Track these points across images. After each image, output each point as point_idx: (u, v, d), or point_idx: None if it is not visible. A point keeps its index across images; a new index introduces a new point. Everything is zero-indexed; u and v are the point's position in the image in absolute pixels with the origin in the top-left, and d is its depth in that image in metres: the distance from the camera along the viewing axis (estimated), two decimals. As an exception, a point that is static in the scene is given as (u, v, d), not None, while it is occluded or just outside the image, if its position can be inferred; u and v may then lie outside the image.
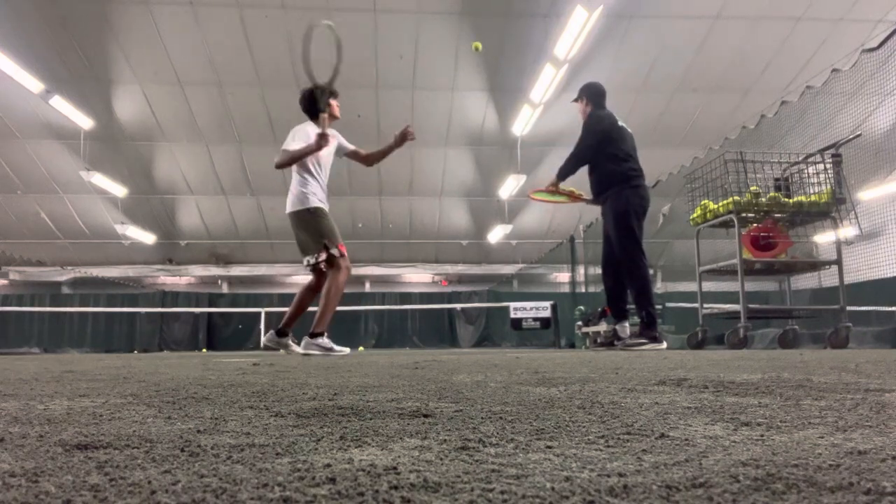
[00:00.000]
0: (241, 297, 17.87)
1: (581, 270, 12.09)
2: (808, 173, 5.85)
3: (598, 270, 6.37)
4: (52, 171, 15.15)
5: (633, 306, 5.52)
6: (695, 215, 6.22)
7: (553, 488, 0.44)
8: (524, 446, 0.63)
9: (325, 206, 4.93)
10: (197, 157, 15.09)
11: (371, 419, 0.86)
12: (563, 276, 16.24)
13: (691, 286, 7.49)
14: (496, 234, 17.52)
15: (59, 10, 11.09)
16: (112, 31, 11.64)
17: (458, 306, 16.80)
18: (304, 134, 4.82)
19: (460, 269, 19.66)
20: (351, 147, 5.25)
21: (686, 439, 0.66)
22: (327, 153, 5.00)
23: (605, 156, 5.43)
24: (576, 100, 5.82)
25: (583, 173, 5.66)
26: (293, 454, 0.60)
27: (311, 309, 5.09)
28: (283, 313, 5.18)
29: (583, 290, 11.79)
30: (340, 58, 4.64)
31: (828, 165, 5.72)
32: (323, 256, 4.78)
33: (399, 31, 11.84)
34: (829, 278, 6.52)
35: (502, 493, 0.43)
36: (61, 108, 12.30)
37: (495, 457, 0.58)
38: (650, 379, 1.56)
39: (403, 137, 5.11)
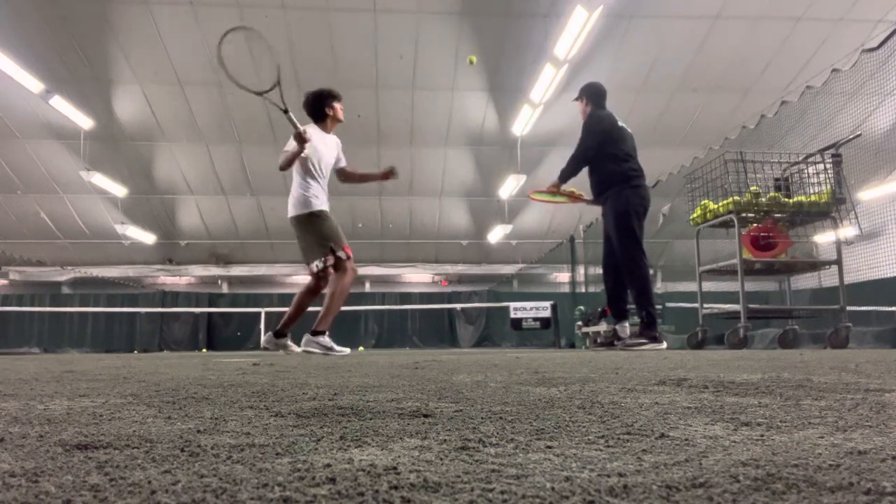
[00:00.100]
0: (241, 297, 17.87)
1: (581, 270, 12.09)
2: (808, 173, 5.85)
3: (599, 270, 6.37)
4: (52, 171, 15.15)
5: (633, 306, 5.52)
6: (695, 215, 6.22)
7: (553, 488, 0.44)
8: (524, 446, 0.63)
9: (327, 209, 4.93)
10: (197, 157, 15.09)
11: (371, 419, 0.86)
12: (563, 276, 16.25)
13: (691, 286, 7.49)
14: (496, 234, 17.52)
15: (59, 10, 11.09)
16: (112, 31, 11.64)
17: (458, 306, 16.81)
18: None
19: (460, 269, 19.66)
20: (343, 163, 5.25)
21: (686, 439, 0.66)
22: (330, 155, 5.01)
23: (605, 156, 5.44)
24: (576, 99, 5.82)
25: (583, 174, 5.66)
26: (293, 454, 0.60)
27: (310, 309, 5.08)
28: (282, 313, 5.18)
29: (583, 290, 11.79)
30: (275, 60, 4.61)
31: (828, 165, 5.72)
32: (331, 260, 4.76)
33: (399, 31, 11.84)
34: (829, 278, 6.52)
35: (502, 493, 0.43)
36: (61, 108, 12.30)
37: (495, 457, 0.58)
38: (650, 379, 1.56)
39: (388, 176, 5.10)
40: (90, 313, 16.03)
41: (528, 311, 11.61)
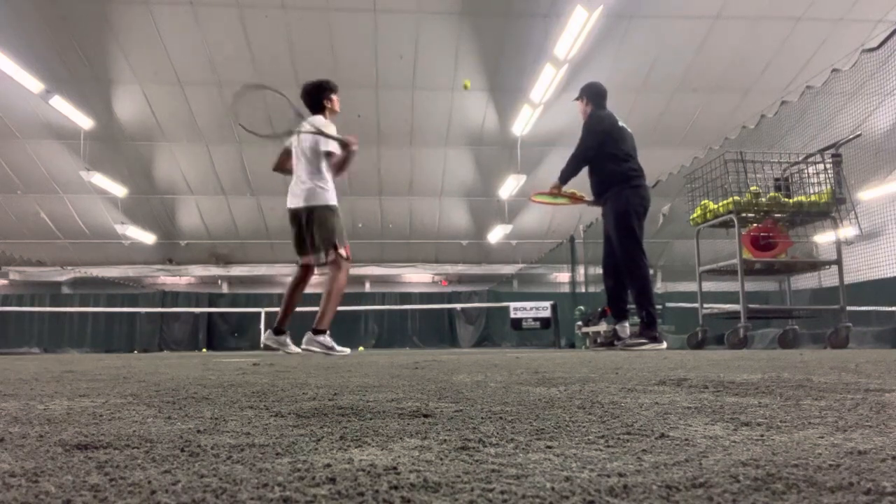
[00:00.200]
0: (241, 297, 17.87)
1: (581, 270, 12.09)
2: (808, 173, 5.85)
3: (599, 270, 6.37)
4: (52, 171, 15.15)
5: (633, 306, 5.52)
6: (695, 215, 6.22)
7: (553, 488, 0.44)
8: (524, 446, 0.63)
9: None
10: (197, 157, 15.09)
11: (371, 419, 0.86)
12: (563, 276, 16.25)
13: (691, 286, 7.49)
14: (496, 234, 17.52)
15: (59, 10, 11.09)
16: (112, 31, 11.64)
17: (458, 306, 16.81)
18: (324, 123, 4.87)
19: (460, 269, 19.66)
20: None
21: (686, 439, 0.66)
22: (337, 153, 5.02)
23: (605, 156, 5.44)
24: (577, 99, 5.83)
25: (584, 174, 5.67)
26: (293, 454, 0.60)
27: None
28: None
29: (583, 290, 11.80)
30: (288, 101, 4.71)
31: (828, 165, 5.72)
32: (332, 256, 4.79)
33: (399, 31, 11.84)
34: (829, 278, 6.52)
35: (502, 493, 0.43)
36: (61, 108, 12.30)
37: (495, 457, 0.58)
38: (650, 379, 1.56)
39: (347, 146, 4.91)
40: (90, 313, 16.04)
41: (528, 311, 11.61)
